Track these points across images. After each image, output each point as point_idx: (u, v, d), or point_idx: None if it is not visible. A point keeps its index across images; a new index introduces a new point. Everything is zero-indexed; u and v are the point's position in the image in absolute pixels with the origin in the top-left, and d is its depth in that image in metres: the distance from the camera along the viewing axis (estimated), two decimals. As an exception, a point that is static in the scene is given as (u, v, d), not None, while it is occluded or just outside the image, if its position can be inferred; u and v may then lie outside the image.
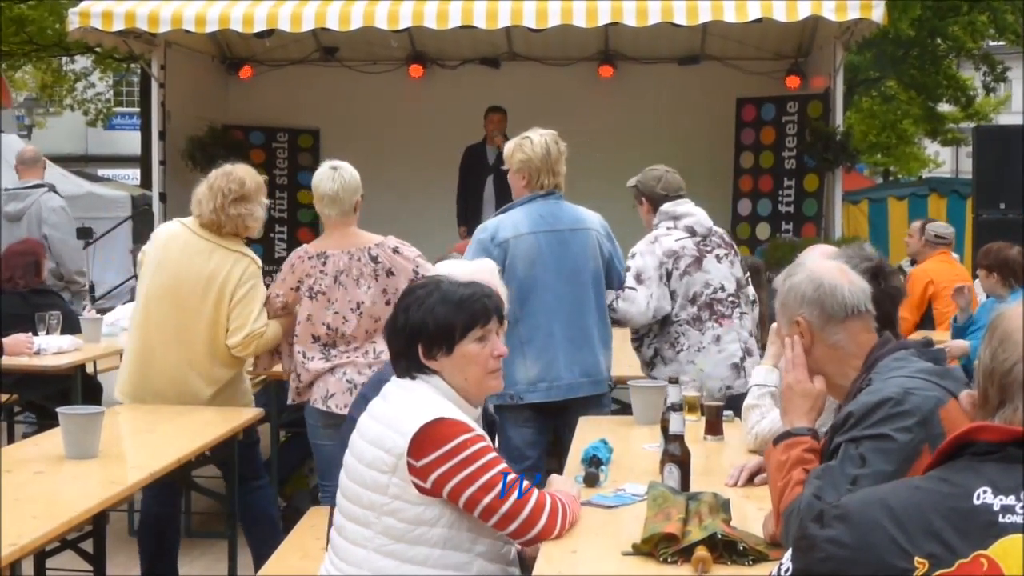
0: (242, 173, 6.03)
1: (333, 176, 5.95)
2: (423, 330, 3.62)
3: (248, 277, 5.91)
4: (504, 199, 11.83)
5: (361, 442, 3.58)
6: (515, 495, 3.45)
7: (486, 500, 3.42)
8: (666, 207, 6.21)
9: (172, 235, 6.08)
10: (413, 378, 3.63)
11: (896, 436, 2.99)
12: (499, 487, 3.43)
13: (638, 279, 6.01)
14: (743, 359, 6.00)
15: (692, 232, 6.15)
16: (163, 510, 6.06)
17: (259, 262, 6.07)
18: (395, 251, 5.95)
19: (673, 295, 6.03)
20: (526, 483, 3.51)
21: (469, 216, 12.04)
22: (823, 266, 3.41)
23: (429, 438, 3.43)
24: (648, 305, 5.98)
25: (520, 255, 5.78)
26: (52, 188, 10.19)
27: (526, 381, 5.77)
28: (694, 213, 6.22)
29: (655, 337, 6.10)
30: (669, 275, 6.03)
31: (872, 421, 3.03)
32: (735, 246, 6.38)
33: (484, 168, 12.16)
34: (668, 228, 6.16)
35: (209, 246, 5.94)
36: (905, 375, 3.12)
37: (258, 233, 6.21)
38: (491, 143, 12.09)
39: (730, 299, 6.09)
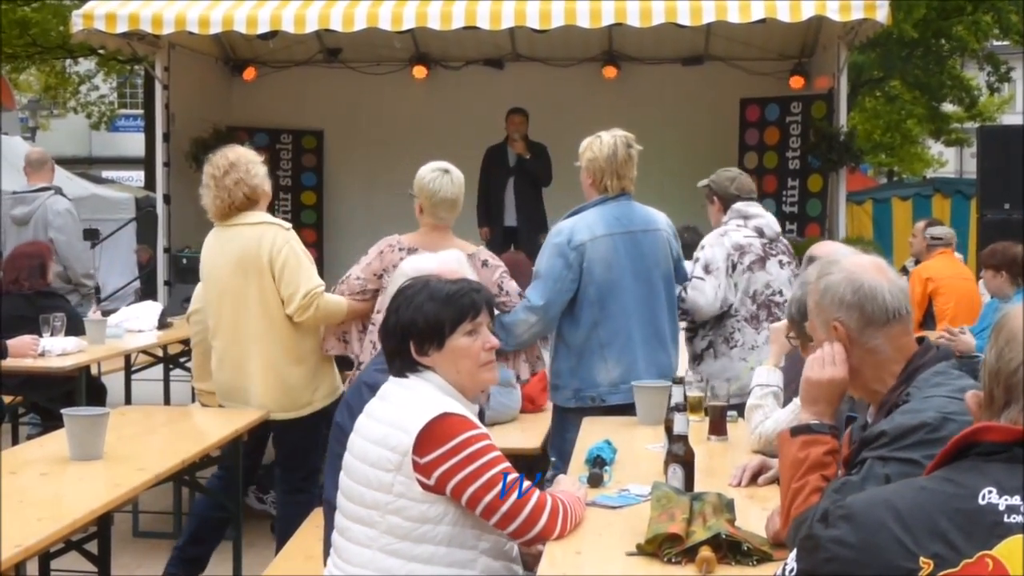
0: (221, 151, 6.11)
1: (452, 180, 5.93)
2: (413, 327, 3.62)
3: (281, 244, 5.90)
4: (524, 201, 11.92)
5: (363, 442, 3.58)
6: (515, 495, 3.44)
7: (487, 498, 3.42)
8: (738, 206, 6.32)
9: (206, 245, 6.17)
10: (407, 376, 3.63)
11: (925, 463, 2.89)
12: (500, 486, 3.43)
13: (706, 269, 6.08)
14: None
15: (760, 233, 6.24)
16: (230, 496, 6.07)
17: (285, 224, 6.05)
18: (484, 264, 5.91)
19: (734, 288, 6.07)
20: (527, 483, 3.51)
21: (492, 217, 12.20)
22: (861, 264, 3.21)
23: (433, 435, 3.43)
24: (716, 295, 6.05)
25: (598, 258, 5.77)
26: (59, 191, 10.20)
27: (608, 383, 5.77)
28: (764, 216, 6.33)
29: (711, 330, 6.16)
30: (733, 267, 6.10)
31: (904, 444, 2.90)
32: (796, 258, 6.38)
33: (504, 170, 12.18)
34: (738, 225, 6.25)
35: (231, 231, 5.99)
36: (945, 395, 2.98)
37: (267, 188, 6.16)
38: (511, 145, 12.11)
39: (786, 304, 6.08)
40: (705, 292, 6.04)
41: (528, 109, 12.16)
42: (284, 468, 6.12)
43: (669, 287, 5.96)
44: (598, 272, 5.77)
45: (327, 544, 4.12)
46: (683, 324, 6.33)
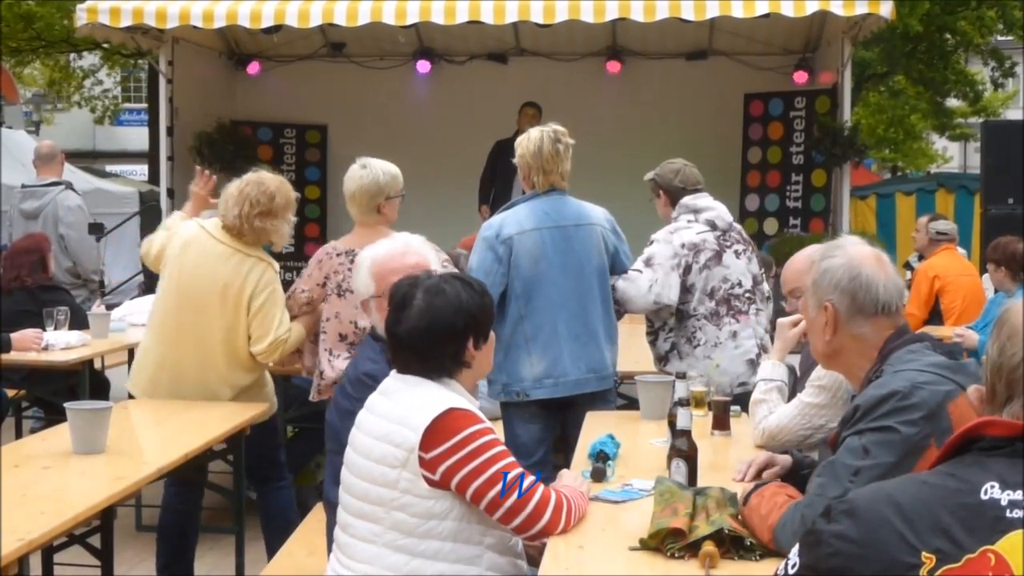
0: (274, 187, 5.96)
1: (363, 175, 5.94)
2: (471, 323, 3.64)
3: (265, 284, 5.87)
4: None
5: (367, 439, 3.57)
6: (520, 490, 3.45)
7: (491, 493, 3.42)
8: (686, 200, 6.20)
9: (190, 240, 6.01)
10: (433, 377, 3.61)
11: (900, 428, 2.99)
12: (504, 481, 3.43)
13: (647, 263, 6.00)
14: (759, 355, 5.97)
15: (713, 226, 6.13)
16: (185, 508, 6.06)
17: (276, 266, 6.02)
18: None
19: (692, 288, 6.00)
20: (531, 478, 3.51)
21: (496, 202, 11.85)
22: (863, 253, 3.35)
23: (439, 430, 3.43)
24: (650, 288, 5.95)
25: (524, 252, 5.77)
26: (69, 186, 10.20)
27: (532, 378, 5.77)
28: (714, 207, 6.20)
29: (671, 331, 6.08)
30: (688, 268, 6.00)
31: (877, 414, 3.04)
32: (752, 242, 6.36)
33: (513, 165, 12.00)
34: (689, 221, 6.14)
35: (227, 251, 5.90)
36: (916, 368, 3.12)
37: (281, 247, 6.19)
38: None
39: (747, 295, 6.07)
40: (638, 283, 5.96)
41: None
42: (250, 466, 6.11)
43: (603, 283, 5.92)
44: (524, 266, 5.77)
45: (330, 541, 4.13)
46: (646, 327, 6.29)
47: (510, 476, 3.45)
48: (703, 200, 6.21)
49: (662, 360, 6.12)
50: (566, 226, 5.85)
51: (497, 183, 12.21)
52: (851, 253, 3.34)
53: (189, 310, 5.89)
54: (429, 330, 3.59)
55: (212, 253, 5.92)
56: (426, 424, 3.44)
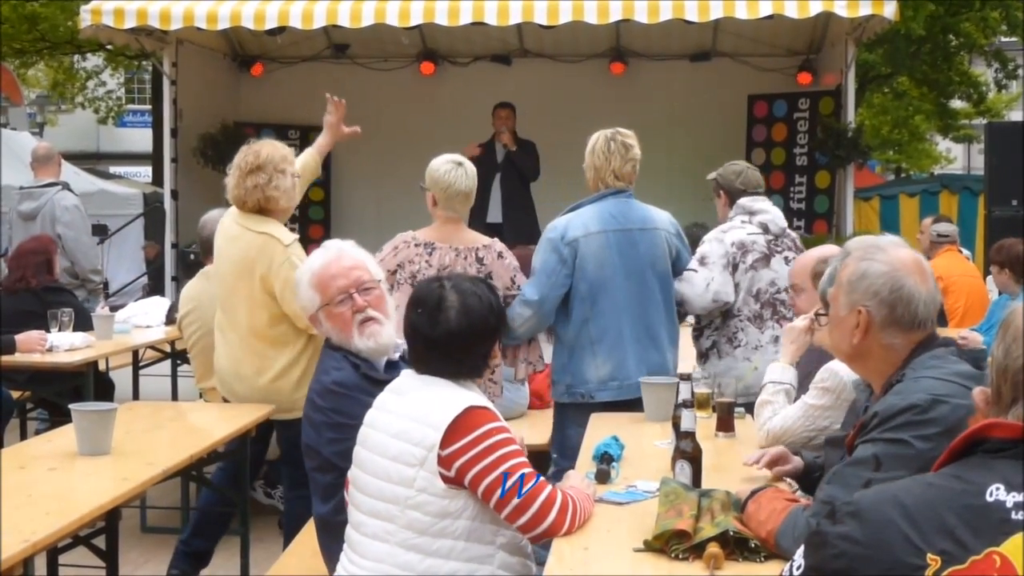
0: (260, 145, 5.95)
1: (466, 173, 5.92)
2: (501, 324, 3.73)
3: (280, 260, 5.74)
4: (512, 198, 11.78)
5: (383, 436, 3.58)
6: (525, 490, 3.46)
7: (500, 492, 3.44)
8: (743, 201, 6.25)
9: (222, 225, 6.08)
10: (459, 379, 3.63)
11: (915, 443, 2.95)
12: (512, 480, 3.44)
13: (701, 262, 6.04)
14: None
15: (765, 229, 6.17)
16: (231, 487, 6.06)
17: (286, 239, 5.85)
18: (500, 255, 5.94)
19: (736, 288, 6.03)
20: (539, 478, 3.52)
21: (477, 212, 11.72)
22: (905, 261, 3.22)
23: (459, 427, 3.46)
24: (707, 287, 5.99)
25: (590, 254, 5.78)
26: (66, 186, 10.19)
27: (597, 380, 5.79)
28: (769, 211, 6.25)
29: (715, 330, 6.12)
30: (735, 267, 6.03)
31: (893, 425, 3.00)
32: (804, 250, 6.35)
33: (492, 166, 11.77)
34: (743, 222, 6.19)
35: (239, 230, 5.90)
36: (938, 377, 3.07)
37: (288, 204, 6.04)
38: (498, 140, 11.79)
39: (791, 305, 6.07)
40: (694, 283, 5.99)
41: (535, 105, 12.14)
42: (286, 464, 6.13)
43: (666, 286, 5.94)
44: (590, 269, 5.78)
45: (327, 557, 4.13)
46: (691, 322, 6.32)
47: (518, 475, 3.46)
48: (760, 203, 6.27)
49: (702, 357, 6.17)
50: (631, 229, 5.87)
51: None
52: (893, 260, 3.21)
53: (223, 295, 5.95)
54: (470, 331, 3.62)
55: (230, 234, 5.95)
56: (448, 422, 3.46)
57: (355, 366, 4.25)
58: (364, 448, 3.65)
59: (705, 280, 5.99)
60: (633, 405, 5.65)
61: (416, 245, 5.89)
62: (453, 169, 5.92)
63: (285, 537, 6.04)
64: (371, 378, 4.19)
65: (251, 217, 5.89)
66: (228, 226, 5.99)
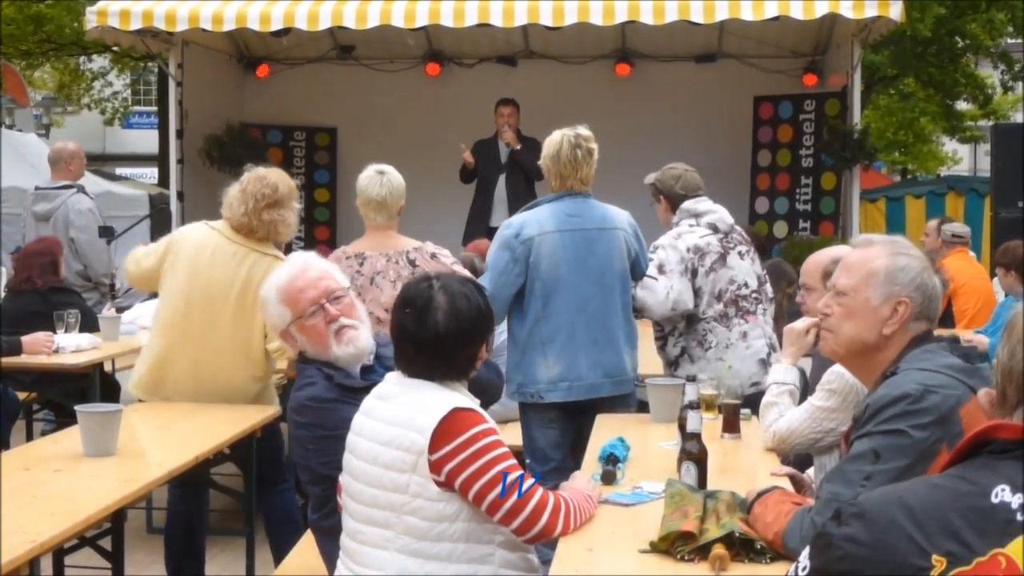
0: (275, 178, 5.98)
1: (381, 181, 5.97)
2: (489, 325, 3.70)
3: None
4: (517, 199, 11.67)
5: (372, 445, 3.55)
6: (519, 492, 3.44)
7: (491, 495, 3.42)
8: (687, 205, 6.18)
9: (201, 241, 6.00)
10: (446, 382, 3.61)
11: (911, 432, 3.00)
12: (504, 483, 3.43)
13: (660, 270, 5.99)
14: (769, 354, 5.97)
15: (715, 229, 6.12)
16: (191, 508, 6.06)
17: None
18: (432, 256, 5.96)
19: (699, 292, 5.99)
20: (531, 481, 3.51)
21: (481, 214, 11.66)
22: (926, 264, 3.38)
23: (446, 430, 3.43)
24: (668, 296, 5.94)
25: (545, 253, 5.75)
26: (82, 189, 10.20)
27: (547, 380, 5.76)
28: (715, 210, 6.20)
29: (681, 336, 6.07)
30: (695, 272, 5.99)
31: (887, 416, 3.04)
32: (752, 242, 6.36)
33: (496, 166, 11.66)
34: (691, 225, 6.13)
35: (241, 250, 5.90)
36: (929, 368, 3.13)
37: (289, 237, 6.16)
38: (502, 138, 11.53)
39: (753, 295, 6.07)
40: (656, 291, 5.95)
41: (540, 107, 12.08)
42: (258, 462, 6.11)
43: (624, 287, 5.90)
44: (544, 268, 5.75)
45: (327, 563, 4.13)
46: (654, 332, 6.29)
47: (510, 478, 3.44)
48: (703, 204, 6.21)
49: (672, 365, 6.10)
50: (589, 229, 5.83)
51: (478, 182, 11.84)
52: (920, 255, 3.37)
53: (199, 311, 5.88)
54: (458, 333, 3.58)
55: (227, 253, 5.92)
56: (434, 425, 3.43)
57: (328, 377, 4.21)
58: (354, 456, 3.63)
59: (665, 288, 5.94)
60: (588, 407, 5.67)
61: (347, 258, 5.97)
62: (371, 177, 6.03)
63: (270, 535, 6.06)
64: (346, 387, 4.17)
65: (249, 239, 5.94)
66: (219, 245, 5.96)
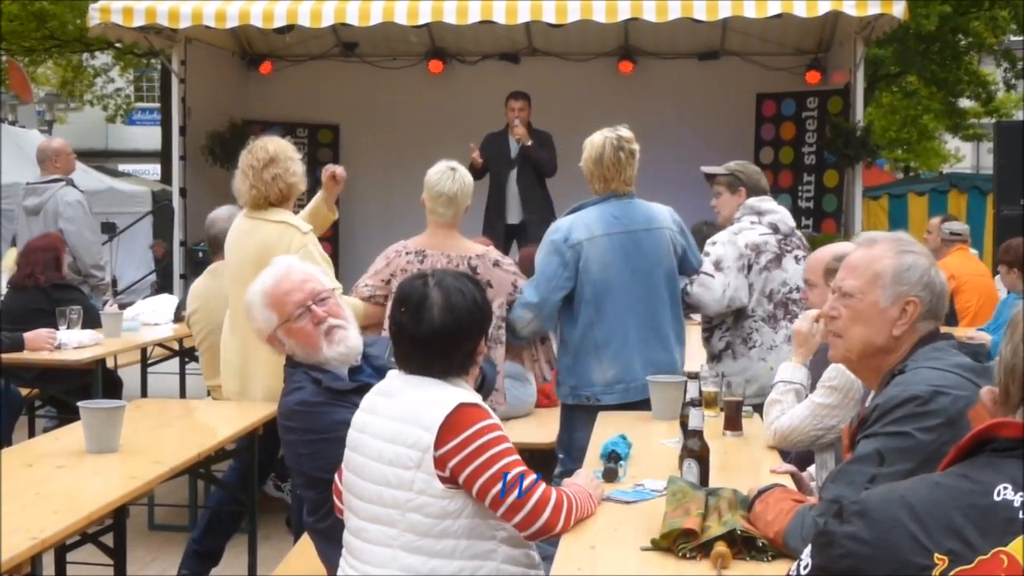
0: (261, 142, 6.06)
1: (454, 177, 5.91)
2: (487, 320, 3.68)
3: (296, 247, 5.78)
4: (530, 195, 11.62)
5: (376, 441, 3.55)
6: (520, 488, 3.44)
7: (494, 490, 3.42)
8: (751, 202, 6.22)
9: (233, 230, 6.12)
10: (446, 378, 3.60)
11: (918, 435, 2.97)
12: (506, 479, 3.43)
13: (717, 266, 6.00)
14: None
15: (775, 229, 6.14)
16: (242, 485, 6.07)
17: (304, 227, 5.95)
18: (495, 264, 5.92)
19: (750, 289, 6.01)
20: (532, 477, 3.50)
21: (496, 209, 11.46)
22: (933, 262, 3.33)
23: (451, 426, 3.43)
24: (724, 293, 5.96)
25: (594, 257, 5.75)
26: (70, 182, 10.21)
27: (603, 383, 5.77)
28: (778, 211, 6.23)
29: (728, 330, 6.09)
30: (749, 268, 6.01)
31: (894, 418, 3.01)
32: (810, 248, 6.34)
33: (507, 162, 11.49)
34: (752, 223, 6.15)
35: (253, 223, 5.96)
36: (939, 368, 3.09)
37: (302, 188, 6.15)
38: (512, 134, 11.31)
39: (804, 300, 6.05)
40: (713, 289, 5.97)
41: (543, 104, 12.04)
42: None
43: (672, 285, 5.92)
44: (594, 272, 5.75)
45: (326, 565, 4.13)
46: (699, 323, 6.31)
47: (512, 474, 3.44)
48: (767, 203, 6.25)
49: (715, 358, 6.13)
50: (636, 231, 5.83)
51: (490, 177, 11.61)
52: (925, 252, 3.32)
53: (237, 291, 5.89)
54: (456, 328, 3.57)
55: (244, 230, 5.99)
56: (440, 421, 3.43)
57: (316, 381, 4.19)
58: (357, 453, 3.62)
59: (723, 286, 5.96)
60: (639, 406, 5.66)
61: (407, 253, 5.91)
62: (444, 172, 5.95)
63: (295, 532, 6.06)
64: (335, 390, 4.16)
65: (264, 210, 5.96)
66: (240, 223, 6.06)
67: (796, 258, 6.13)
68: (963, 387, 3.01)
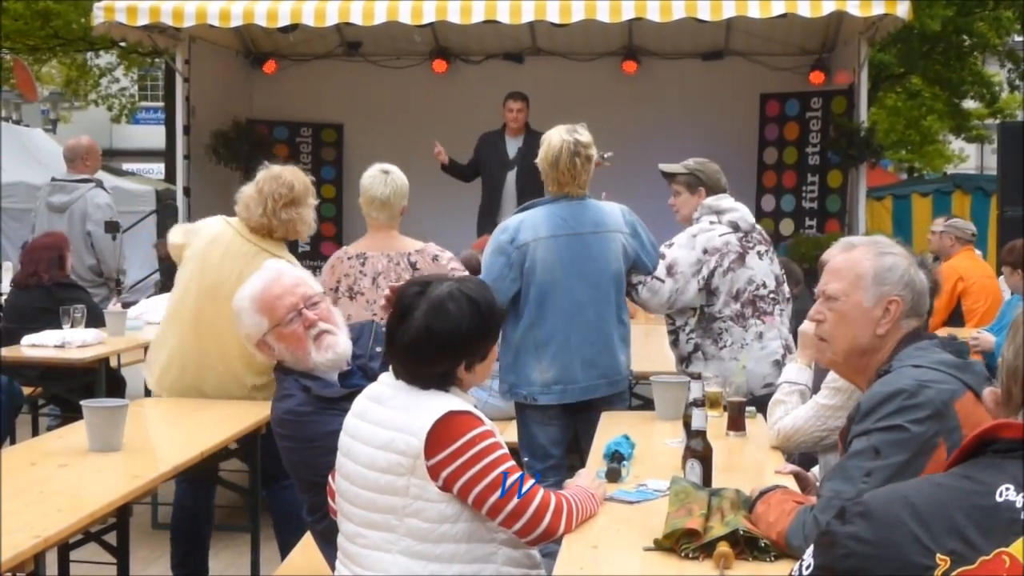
0: (290, 176, 5.96)
1: (385, 180, 5.97)
2: (465, 349, 3.54)
3: None
4: (528, 198, 11.51)
5: (368, 448, 3.52)
6: (518, 494, 3.42)
7: (492, 498, 3.40)
8: (709, 201, 6.12)
9: (217, 236, 5.99)
10: (435, 385, 3.55)
11: (910, 427, 3.02)
12: (504, 485, 3.41)
13: (669, 271, 5.94)
14: (784, 356, 5.94)
15: (736, 228, 6.07)
16: (198, 504, 6.07)
17: (297, 265, 5.97)
18: (435, 259, 5.96)
19: (717, 292, 5.95)
20: (531, 482, 3.49)
21: (490, 211, 11.48)
22: (912, 261, 3.42)
23: (440, 434, 3.40)
24: (670, 298, 5.93)
25: (540, 259, 5.74)
26: (100, 184, 10.24)
27: (541, 383, 5.77)
28: (737, 208, 6.14)
29: (693, 332, 6.03)
30: (712, 272, 5.94)
31: (884, 413, 3.06)
32: (771, 243, 6.32)
33: (505, 162, 11.57)
34: (711, 223, 6.08)
35: (254, 249, 5.87)
36: (923, 364, 3.16)
37: (308, 235, 6.14)
38: (510, 133, 11.45)
39: (771, 296, 6.03)
40: (660, 294, 5.93)
41: (547, 103, 12.03)
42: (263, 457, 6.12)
43: (619, 288, 5.89)
44: (539, 273, 5.75)
45: (329, 561, 4.13)
46: (664, 323, 6.27)
47: (510, 480, 3.42)
48: (726, 201, 6.15)
49: (684, 361, 6.06)
50: (583, 233, 5.80)
51: (483, 176, 11.72)
52: (903, 252, 3.41)
53: (209, 305, 5.86)
54: (429, 346, 3.49)
55: (239, 252, 5.89)
56: (427, 428, 3.39)
57: (305, 389, 4.18)
58: (349, 459, 3.59)
59: (671, 292, 5.92)
60: (584, 406, 5.70)
61: (349, 258, 6.02)
62: (376, 175, 6.06)
63: (276, 531, 6.06)
64: (324, 398, 4.15)
65: (264, 240, 5.91)
66: (233, 242, 5.93)
67: (759, 254, 6.07)
68: (946, 381, 3.09)
